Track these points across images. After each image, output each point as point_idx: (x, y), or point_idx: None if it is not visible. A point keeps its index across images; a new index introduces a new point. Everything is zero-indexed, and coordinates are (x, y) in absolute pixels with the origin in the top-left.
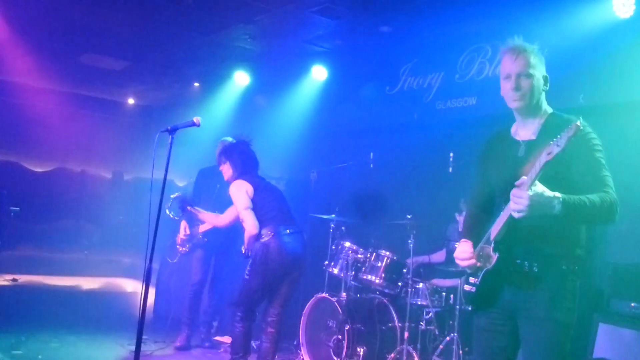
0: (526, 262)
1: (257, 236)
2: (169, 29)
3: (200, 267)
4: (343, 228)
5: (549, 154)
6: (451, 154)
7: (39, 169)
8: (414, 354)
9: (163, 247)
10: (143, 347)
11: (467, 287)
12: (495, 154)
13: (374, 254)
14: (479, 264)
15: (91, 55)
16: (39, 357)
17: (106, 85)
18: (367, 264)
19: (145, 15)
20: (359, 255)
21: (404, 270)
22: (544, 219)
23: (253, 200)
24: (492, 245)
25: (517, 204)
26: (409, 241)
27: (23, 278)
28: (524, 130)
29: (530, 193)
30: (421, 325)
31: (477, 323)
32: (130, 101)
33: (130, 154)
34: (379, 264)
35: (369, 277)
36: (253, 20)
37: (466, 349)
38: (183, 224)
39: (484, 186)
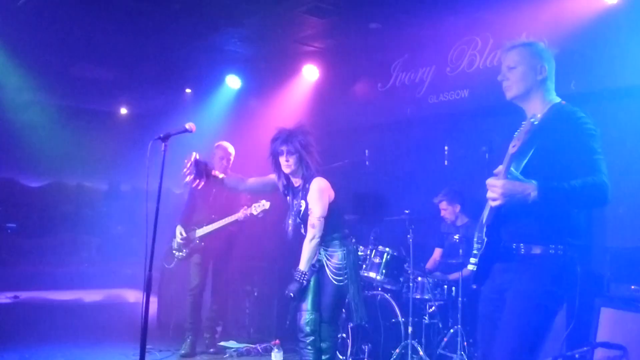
0: (513, 244)
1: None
2: (158, 36)
3: (198, 272)
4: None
5: (513, 146)
6: (446, 147)
7: (34, 184)
8: (419, 348)
9: (162, 254)
10: (147, 357)
11: (469, 267)
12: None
13: (374, 250)
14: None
15: (82, 66)
16: None
17: (97, 96)
18: (367, 261)
19: (134, 24)
20: (359, 253)
21: (405, 265)
22: (525, 204)
23: (330, 206)
24: (484, 229)
25: (492, 192)
26: (408, 236)
27: (24, 294)
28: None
29: (503, 182)
30: (425, 319)
31: (480, 310)
32: (123, 111)
33: (125, 164)
34: (379, 261)
35: (370, 274)
36: (242, 23)
37: (470, 340)
38: (179, 229)
39: None
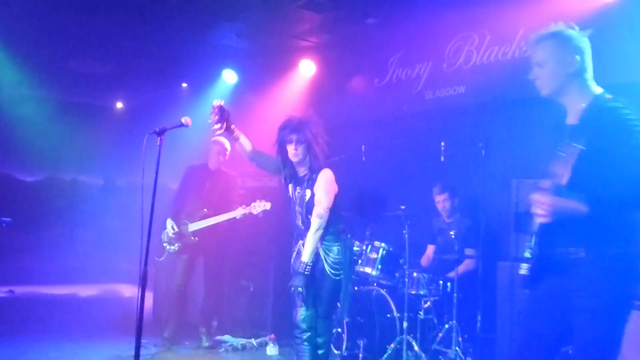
0: (564, 249)
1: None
2: (155, 31)
3: (185, 267)
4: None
5: (557, 165)
6: (442, 143)
7: (29, 179)
8: (414, 344)
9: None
10: (143, 351)
11: (521, 272)
12: (553, 138)
13: (370, 245)
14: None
15: (77, 61)
16: None
17: (94, 90)
18: (363, 257)
19: (130, 18)
20: (355, 248)
21: (401, 261)
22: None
23: (335, 199)
24: (534, 237)
25: (539, 209)
26: (404, 231)
27: (19, 289)
28: (570, 115)
29: (552, 199)
30: (420, 314)
31: (526, 310)
32: (119, 105)
33: (121, 159)
34: (375, 256)
35: (366, 269)
36: (238, 17)
37: (465, 335)
38: (170, 222)
39: None
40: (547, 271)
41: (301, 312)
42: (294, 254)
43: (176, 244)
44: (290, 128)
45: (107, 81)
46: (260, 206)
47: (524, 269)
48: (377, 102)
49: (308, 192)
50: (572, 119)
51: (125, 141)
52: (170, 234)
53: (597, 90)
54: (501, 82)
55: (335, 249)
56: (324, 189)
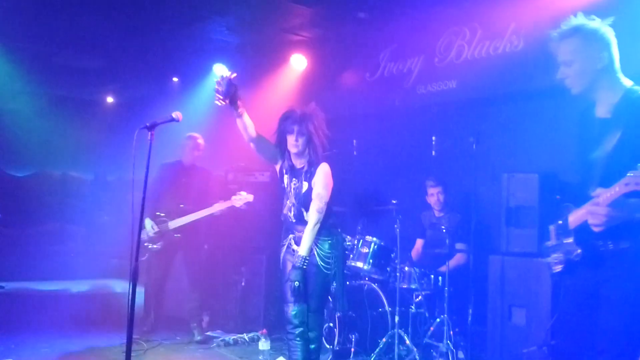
0: (602, 242)
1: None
2: (145, 24)
3: (164, 264)
4: None
5: (627, 184)
6: (433, 138)
7: (19, 174)
8: (406, 338)
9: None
10: (134, 347)
11: (555, 269)
12: (579, 130)
13: (361, 240)
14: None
15: (67, 55)
16: None
17: (83, 85)
18: (354, 251)
19: (120, 11)
20: (347, 243)
21: (392, 255)
22: None
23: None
24: (573, 236)
25: (594, 219)
26: (395, 226)
27: (9, 285)
28: (600, 107)
29: (607, 210)
30: (411, 308)
31: (565, 305)
32: (109, 99)
33: (111, 154)
34: (366, 250)
35: (357, 263)
36: (229, 11)
37: (457, 329)
38: (149, 222)
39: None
40: (581, 264)
41: (293, 308)
42: (284, 249)
43: (159, 243)
44: (293, 119)
45: (97, 75)
46: (242, 199)
47: (558, 265)
48: (369, 96)
49: (305, 185)
50: (602, 112)
51: (116, 136)
52: (151, 234)
53: (627, 82)
54: (492, 77)
55: (326, 243)
56: (324, 182)
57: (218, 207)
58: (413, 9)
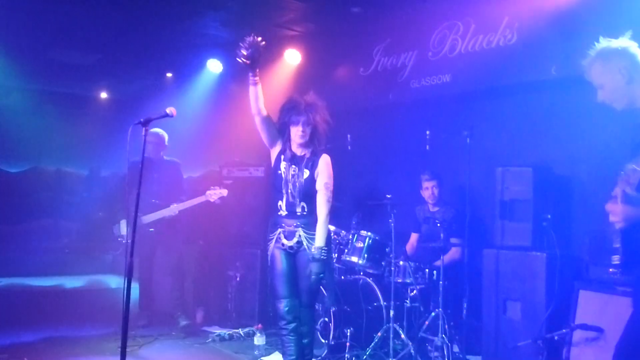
0: None
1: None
2: (138, 20)
3: (142, 259)
4: None
5: (623, 172)
6: (427, 132)
7: (13, 170)
8: (401, 332)
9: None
10: (129, 342)
11: (614, 262)
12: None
13: (356, 235)
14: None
15: (60, 51)
16: (25, 359)
17: (77, 80)
18: (349, 246)
19: (114, 7)
20: (342, 237)
21: (387, 250)
22: None
23: None
24: (620, 233)
25: (613, 216)
26: (390, 220)
27: (3, 281)
28: None
29: (621, 207)
30: (406, 302)
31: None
32: (103, 95)
33: (106, 149)
34: (361, 245)
35: (352, 258)
36: (223, 6)
37: (452, 323)
38: (124, 221)
39: None
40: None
41: (285, 303)
42: (272, 243)
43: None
44: (298, 110)
45: (91, 71)
46: (216, 193)
47: (615, 260)
48: (363, 91)
49: (306, 172)
50: None
51: (110, 131)
52: (123, 232)
53: None
54: (486, 71)
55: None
56: (328, 173)
57: (190, 203)
58: (406, 3)
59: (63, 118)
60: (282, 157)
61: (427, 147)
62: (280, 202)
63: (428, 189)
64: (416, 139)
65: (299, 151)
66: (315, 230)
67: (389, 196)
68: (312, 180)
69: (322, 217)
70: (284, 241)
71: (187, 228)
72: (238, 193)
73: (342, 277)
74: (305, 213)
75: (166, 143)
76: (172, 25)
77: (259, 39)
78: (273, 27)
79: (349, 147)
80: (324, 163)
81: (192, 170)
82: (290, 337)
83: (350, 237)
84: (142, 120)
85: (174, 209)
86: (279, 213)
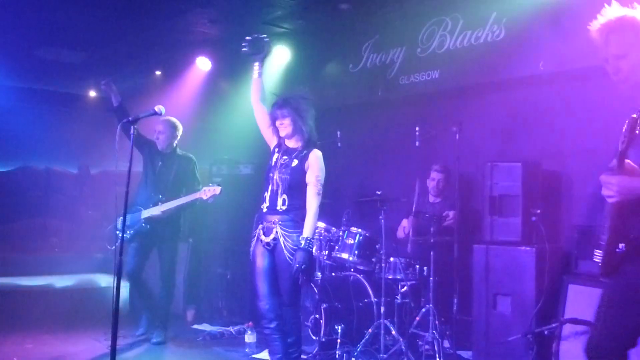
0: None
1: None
2: (127, 18)
3: (134, 256)
4: None
5: (622, 142)
6: (417, 128)
7: (1, 169)
8: (391, 328)
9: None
10: (119, 342)
11: (595, 259)
12: None
13: (346, 231)
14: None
15: (48, 49)
16: (14, 359)
17: (66, 79)
18: (339, 242)
19: (101, 4)
20: (332, 234)
21: (377, 246)
22: None
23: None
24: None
25: (607, 189)
26: (380, 217)
27: None
28: None
29: (619, 178)
30: (397, 298)
31: (610, 297)
32: (92, 93)
33: (95, 148)
34: (352, 242)
35: (343, 255)
36: (211, 4)
37: (442, 318)
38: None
39: None
40: (623, 259)
41: (266, 302)
42: (254, 240)
43: (128, 231)
44: (277, 104)
45: (79, 69)
46: (209, 191)
47: (597, 256)
48: (352, 87)
49: (295, 161)
50: None
51: (99, 129)
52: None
53: None
54: (474, 67)
55: (295, 235)
56: (319, 166)
57: (184, 200)
58: (395, 0)
59: (52, 116)
60: (277, 149)
61: (417, 143)
62: (265, 194)
63: (434, 180)
64: (406, 135)
65: (291, 144)
66: (293, 230)
67: (379, 192)
68: (300, 170)
69: (312, 209)
70: (263, 237)
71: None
72: (227, 191)
73: (333, 274)
74: (285, 208)
75: (178, 132)
76: (160, 23)
77: (264, 36)
78: (261, 24)
79: (339, 144)
80: (315, 157)
81: None
82: (274, 337)
83: (341, 233)
84: (130, 118)
85: (159, 208)
86: (262, 207)
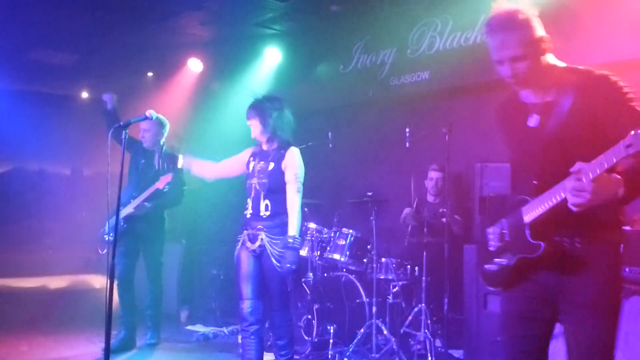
0: (566, 239)
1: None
2: (118, 19)
3: (121, 258)
4: (306, 209)
5: (627, 146)
6: (407, 129)
7: None
8: (383, 328)
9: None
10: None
11: (488, 267)
12: (506, 122)
13: (338, 232)
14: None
15: (40, 51)
16: None
17: (58, 81)
18: (331, 243)
19: (93, 7)
20: (324, 235)
21: (368, 247)
22: None
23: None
24: (528, 230)
25: (578, 197)
26: (371, 218)
27: None
28: (535, 91)
29: (593, 184)
30: (389, 298)
31: (509, 309)
32: (84, 95)
33: (88, 149)
34: (343, 242)
35: (334, 255)
36: (202, 5)
37: (434, 318)
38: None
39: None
40: (532, 265)
41: (248, 305)
42: (238, 245)
43: (112, 233)
44: (249, 106)
45: (72, 71)
46: (164, 179)
47: (492, 264)
48: (343, 89)
49: (272, 164)
50: (537, 97)
51: (92, 131)
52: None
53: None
54: (464, 67)
55: (280, 241)
56: (297, 164)
57: (146, 194)
58: (385, 1)
59: (44, 118)
60: (252, 158)
61: (407, 144)
62: (248, 199)
63: (432, 180)
64: (396, 136)
65: (265, 147)
66: (278, 236)
67: (369, 193)
68: (278, 172)
69: (294, 207)
70: (249, 244)
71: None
72: (221, 192)
73: (325, 275)
74: (268, 214)
75: (165, 130)
76: (152, 25)
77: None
78: (253, 26)
79: (330, 145)
80: (292, 155)
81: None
82: (251, 340)
83: (332, 234)
84: (121, 123)
85: (131, 205)
86: (245, 214)
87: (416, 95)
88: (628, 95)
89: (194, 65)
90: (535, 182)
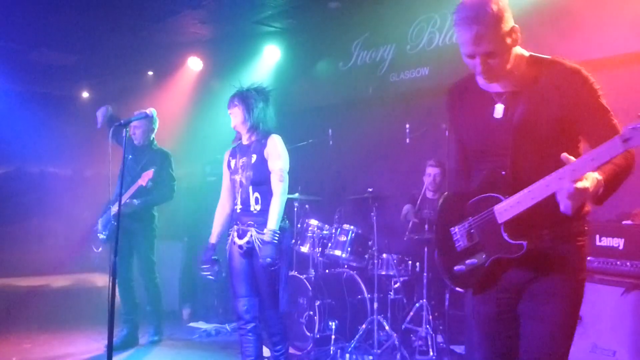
0: (546, 236)
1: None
2: (118, 19)
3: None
4: (307, 206)
5: (625, 140)
6: (407, 125)
7: None
8: (385, 324)
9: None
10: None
11: (457, 268)
12: (464, 110)
13: (339, 229)
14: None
15: (41, 52)
16: (13, 359)
17: (58, 81)
18: (332, 240)
19: (92, 7)
20: (325, 232)
21: (369, 243)
22: None
23: None
24: (505, 230)
25: (579, 196)
26: (372, 214)
27: None
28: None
29: (587, 184)
30: (390, 294)
31: (482, 310)
32: (85, 95)
33: (89, 149)
34: (344, 239)
35: (336, 252)
36: (201, 4)
37: (435, 313)
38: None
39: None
40: (506, 264)
41: (243, 303)
42: (229, 240)
43: (104, 232)
44: (232, 96)
45: (72, 71)
46: (146, 176)
47: (460, 266)
48: (343, 85)
49: (254, 157)
50: (501, 85)
51: (92, 131)
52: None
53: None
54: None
55: None
56: (278, 152)
57: (131, 191)
58: None
59: (45, 118)
60: (231, 157)
61: (407, 140)
62: (236, 194)
63: (430, 175)
64: (396, 132)
65: (245, 140)
66: None
67: (370, 190)
68: (261, 162)
69: (276, 197)
70: (237, 240)
71: (171, 225)
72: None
73: (326, 271)
74: (259, 209)
75: (155, 126)
76: (151, 24)
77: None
78: (252, 23)
79: (330, 142)
80: (273, 143)
81: (175, 168)
82: (249, 337)
83: (334, 231)
84: (122, 122)
85: (125, 196)
86: (235, 208)
87: (416, 92)
88: (598, 92)
89: (194, 64)
90: (503, 172)
